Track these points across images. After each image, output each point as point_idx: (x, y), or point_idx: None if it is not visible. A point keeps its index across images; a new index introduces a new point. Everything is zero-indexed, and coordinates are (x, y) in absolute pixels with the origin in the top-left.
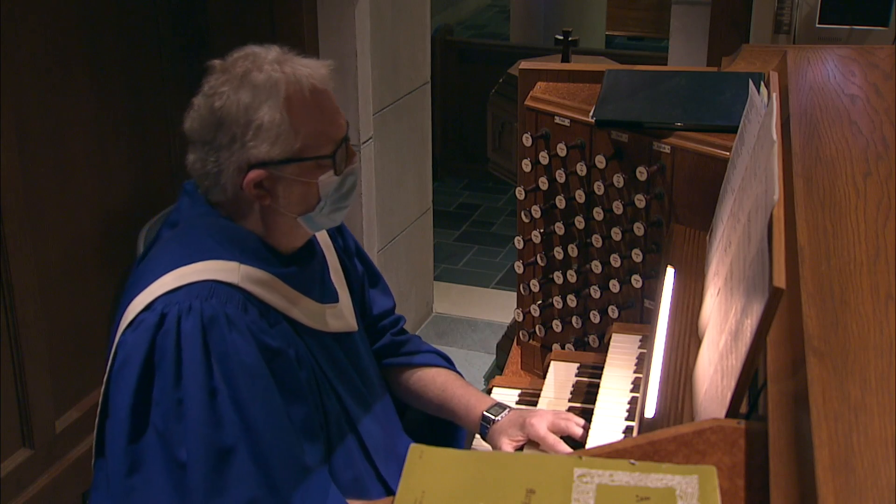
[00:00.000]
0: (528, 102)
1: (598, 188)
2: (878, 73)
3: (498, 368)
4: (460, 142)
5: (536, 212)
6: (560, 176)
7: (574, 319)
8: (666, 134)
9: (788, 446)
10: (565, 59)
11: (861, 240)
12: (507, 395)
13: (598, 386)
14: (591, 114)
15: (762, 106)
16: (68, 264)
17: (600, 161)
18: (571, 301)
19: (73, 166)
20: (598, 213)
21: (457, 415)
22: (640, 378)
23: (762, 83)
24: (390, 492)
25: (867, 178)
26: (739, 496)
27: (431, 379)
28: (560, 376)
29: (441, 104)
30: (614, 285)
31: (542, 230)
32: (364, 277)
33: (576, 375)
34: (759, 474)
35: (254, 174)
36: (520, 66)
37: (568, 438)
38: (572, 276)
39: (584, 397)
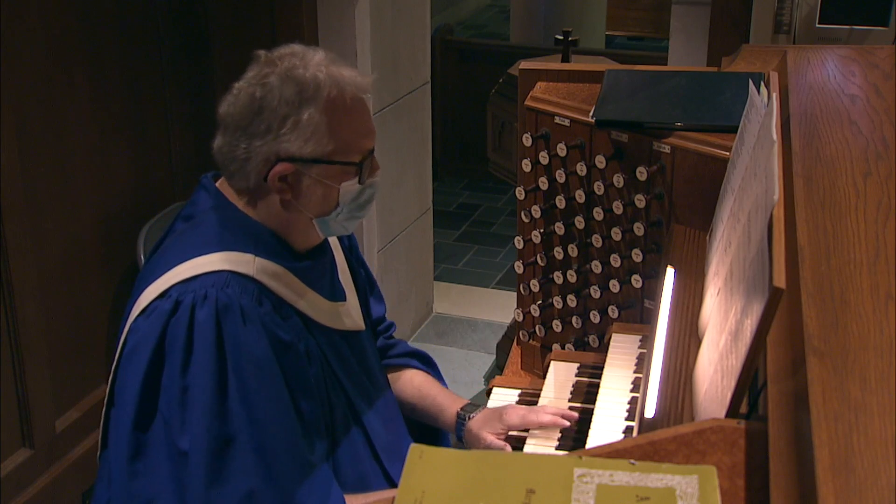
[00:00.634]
0: (528, 102)
1: (598, 188)
2: (878, 73)
3: (498, 368)
4: (460, 142)
5: (536, 212)
6: (560, 176)
7: (574, 319)
8: (666, 134)
9: (788, 446)
10: (565, 59)
11: (861, 240)
12: (507, 395)
13: (598, 386)
14: (591, 114)
15: (762, 106)
16: (68, 264)
17: (600, 161)
18: (571, 301)
19: (73, 166)
20: (598, 213)
21: (431, 416)
22: (640, 378)
23: (762, 83)
24: None
25: (867, 178)
26: (739, 496)
27: (409, 380)
28: (560, 376)
29: (441, 104)
30: (614, 285)
31: (542, 230)
32: (366, 281)
33: (576, 375)
34: (759, 474)
35: (281, 167)
36: (520, 66)
37: (569, 440)
38: (572, 276)
39: (584, 397)
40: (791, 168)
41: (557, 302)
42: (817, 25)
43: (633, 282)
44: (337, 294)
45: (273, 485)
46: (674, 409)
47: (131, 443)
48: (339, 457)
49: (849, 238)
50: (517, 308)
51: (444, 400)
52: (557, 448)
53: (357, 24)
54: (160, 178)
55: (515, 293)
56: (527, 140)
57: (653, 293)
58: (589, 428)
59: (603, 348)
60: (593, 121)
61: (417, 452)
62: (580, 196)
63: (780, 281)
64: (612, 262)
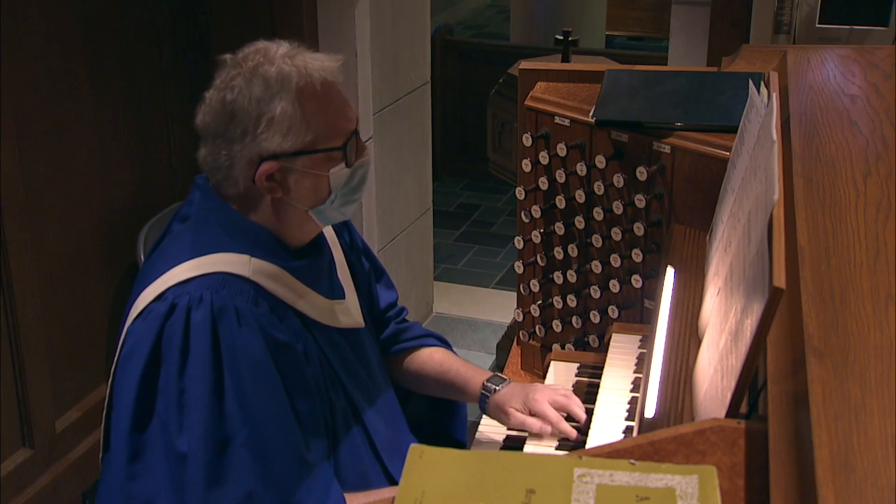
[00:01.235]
0: (528, 102)
1: (598, 188)
2: (878, 73)
3: (498, 368)
4: (460, 142)
5: (536, 212)
6: (560, 176)
7: (574, 319)
8: (666, 134)
9: (788, 446)
10: (565, 59)
11: (861, 240)
12: None
13: (598, 386)
14: (591, 114)
15: (762, 106)
16: (68, 264)
17: (600, 161)
18: (571, 301)
19: (73, 166)
20: (598, 213)
21: (456, 388)
22: (640, 378)
23: (762, 83)
24: None
25: (867, 178)
26: (739, 496)
27: (429, 356)
28: (560, 376)
29: (441, 104)
30: (614, 285)
31: (542, 230)
32: (371, 274)
33: (576, 375)
34: (759, 474)
35: (266, 167)
36: (520, 66)
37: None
38: (572, 276)
39: (584, 397)
40: (791, 168)
41: (557, 302)
42: (817, 25)
43: (633, 282)
44: (335, 292)
45: (272, 485)
46: (674, 409)
47: (130, 445)
48: (340, 455)
49: (849, 238)
50: (517, 308)
51: (468, 371)
52: (557, 448)
53: (357, 24)
54: (160, 178)
55: (515, 293)
56: (527, 140)
57: (653, 293)
58: (589, 428)
59: (603, 348)
60: (593, 121)
61: (417, 452)
62: (580, 196)
63: (780, 281)
64: (612, 262)
